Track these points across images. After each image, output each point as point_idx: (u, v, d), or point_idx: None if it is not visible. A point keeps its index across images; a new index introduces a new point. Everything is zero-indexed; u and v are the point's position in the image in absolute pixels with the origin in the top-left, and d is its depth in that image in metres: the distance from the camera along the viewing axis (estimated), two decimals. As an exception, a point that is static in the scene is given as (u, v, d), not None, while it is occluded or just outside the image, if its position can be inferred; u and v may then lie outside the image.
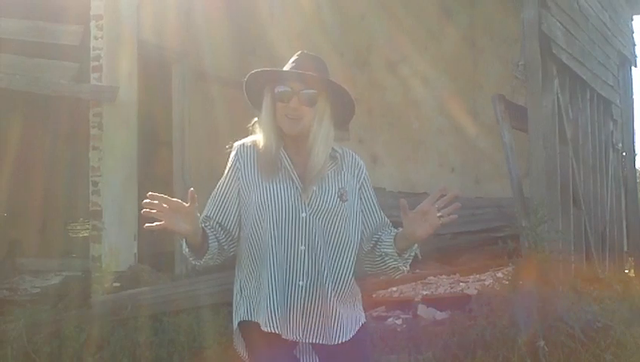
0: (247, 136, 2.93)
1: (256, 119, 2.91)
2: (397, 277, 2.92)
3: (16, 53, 6.91)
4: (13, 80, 6.76)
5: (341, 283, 2.81)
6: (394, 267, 2.84)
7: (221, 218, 2.85)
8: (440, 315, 5.71)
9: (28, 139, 7.09)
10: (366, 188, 2.94)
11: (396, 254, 2.80)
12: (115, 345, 5.81)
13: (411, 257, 2.86)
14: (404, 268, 2.87)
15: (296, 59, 2.85)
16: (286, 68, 2.84)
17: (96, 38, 6.93)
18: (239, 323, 2.86)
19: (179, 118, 8.58)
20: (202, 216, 2.86)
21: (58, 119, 7.16)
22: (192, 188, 2.62)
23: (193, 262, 2.81)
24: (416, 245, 2.81)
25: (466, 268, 7.00)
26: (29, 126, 7.11)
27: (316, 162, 2.79)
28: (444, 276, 6.87)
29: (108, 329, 5.91)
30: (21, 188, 7.01)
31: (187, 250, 2.75)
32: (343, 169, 2.88)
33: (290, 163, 2.81)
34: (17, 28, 6.99)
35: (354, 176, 2.91)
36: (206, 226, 2.80)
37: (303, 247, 2.76)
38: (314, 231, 2.77)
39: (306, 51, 2.90)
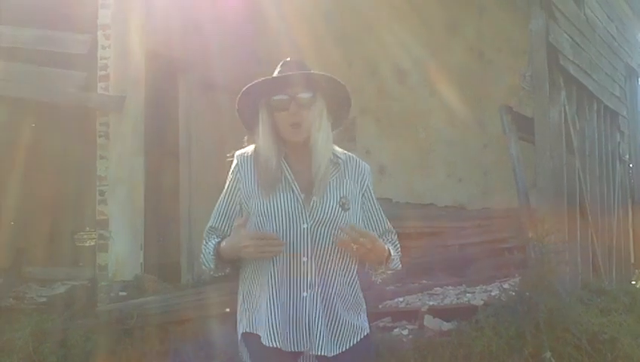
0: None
1: (246, 138, 2.90)
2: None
3: (24, 61, 6.93)
4: (21, 88, 6.79)
5: (345, 292, 2.81)
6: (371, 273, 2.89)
7: (226, 228, 2.86)
8: (446, 326, 5.68)
9: (35, 148, 7.09)
10: (369, 194, 2.91)
11: (373, 268, 2.85)
12: (121, 354, 5.81)
13: (385, 274, 2.89)
14: (376, 280, 2.92)
15: (281, 68, 2.85)
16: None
17: (103, 48, 6.93)
18: (242, 334, 2.86)
19: (185, 127, 8.59)
20: (208, 226, 2.90)
21: (65, 128, 7.16)
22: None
23: (215, 274, 2.87)
24: (391, 264, 2.84)
25: (473, 278, 6.97)
26: (36, 134, 7.12)
27: (318, 169, 2.77)
28: (450, 286, 6.84)
29: (114, 338, 5.91)
30: (28, 197, 7.01)
31: (215, 262, 2.81)
32: (345, 176, 2.85)
33: (290, 173, 2.79)
34: (26, 36, 7.01)
35: (357, 182, 2.87)
36: (213, 237, 2.84)
37: (305, 259, 2.73)
38: (316, 241, 2.74)
39: (288, 59, 2.89)
